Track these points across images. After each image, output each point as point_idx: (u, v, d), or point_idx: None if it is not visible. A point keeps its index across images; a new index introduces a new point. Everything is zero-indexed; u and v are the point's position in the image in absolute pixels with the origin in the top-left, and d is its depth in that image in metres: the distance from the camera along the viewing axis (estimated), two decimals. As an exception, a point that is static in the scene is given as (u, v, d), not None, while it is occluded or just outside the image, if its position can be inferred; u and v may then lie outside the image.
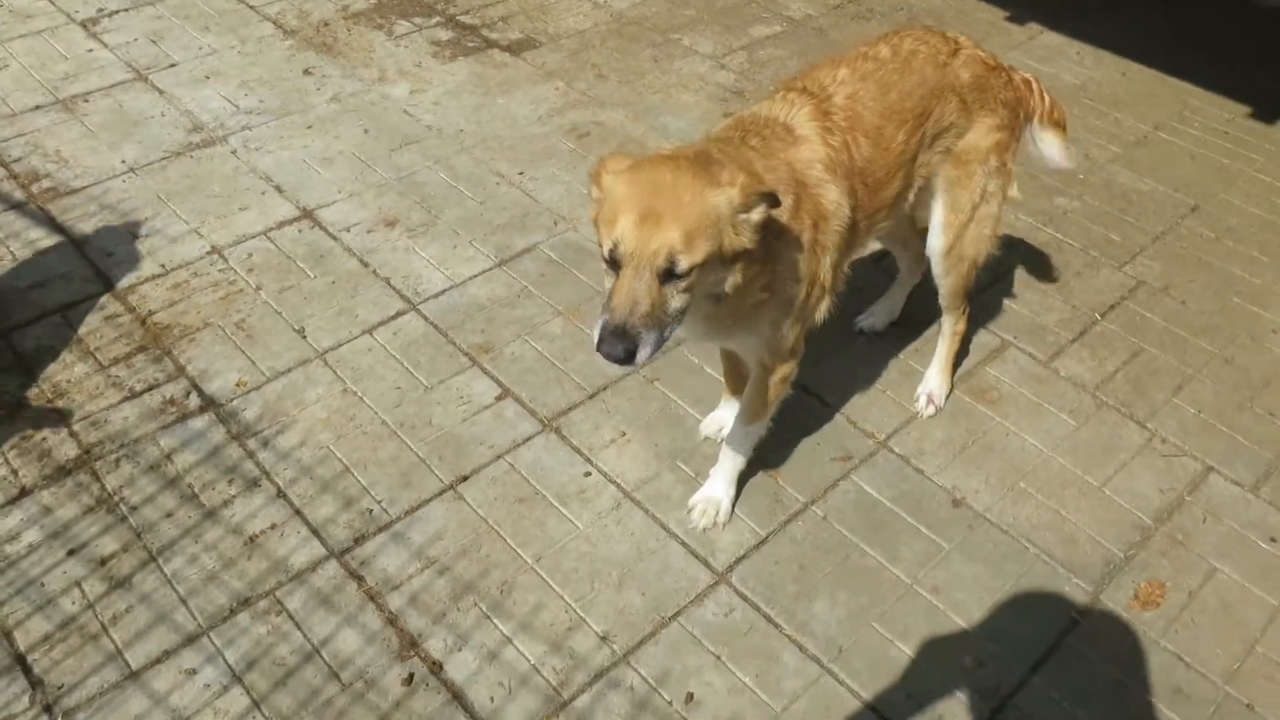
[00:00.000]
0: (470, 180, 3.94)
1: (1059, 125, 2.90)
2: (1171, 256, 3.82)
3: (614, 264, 1.98)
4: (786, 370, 2.54)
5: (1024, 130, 2.84)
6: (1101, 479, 2.94)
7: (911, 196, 2.66)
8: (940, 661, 2.47)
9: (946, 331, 3.10)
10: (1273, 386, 3.28)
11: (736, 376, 2.88)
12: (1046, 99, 2.86)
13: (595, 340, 1.99)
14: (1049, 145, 2.90)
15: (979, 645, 2.51)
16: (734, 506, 2.78)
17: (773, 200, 2.02)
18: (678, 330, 2.11)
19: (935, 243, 2.80)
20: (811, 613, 2.56)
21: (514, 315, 3.35)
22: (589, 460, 2.90)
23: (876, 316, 3.40)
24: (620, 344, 1.94)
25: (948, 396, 3.17)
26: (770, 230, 2.12)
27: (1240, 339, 3.46)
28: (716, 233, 1.96)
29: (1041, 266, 3.71)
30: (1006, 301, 3.55)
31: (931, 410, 3.12)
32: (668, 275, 1.96)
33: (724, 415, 2.98)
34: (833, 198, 2.33)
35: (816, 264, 2.35)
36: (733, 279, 2.08)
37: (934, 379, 3.15)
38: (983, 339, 3.39)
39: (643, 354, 1.97)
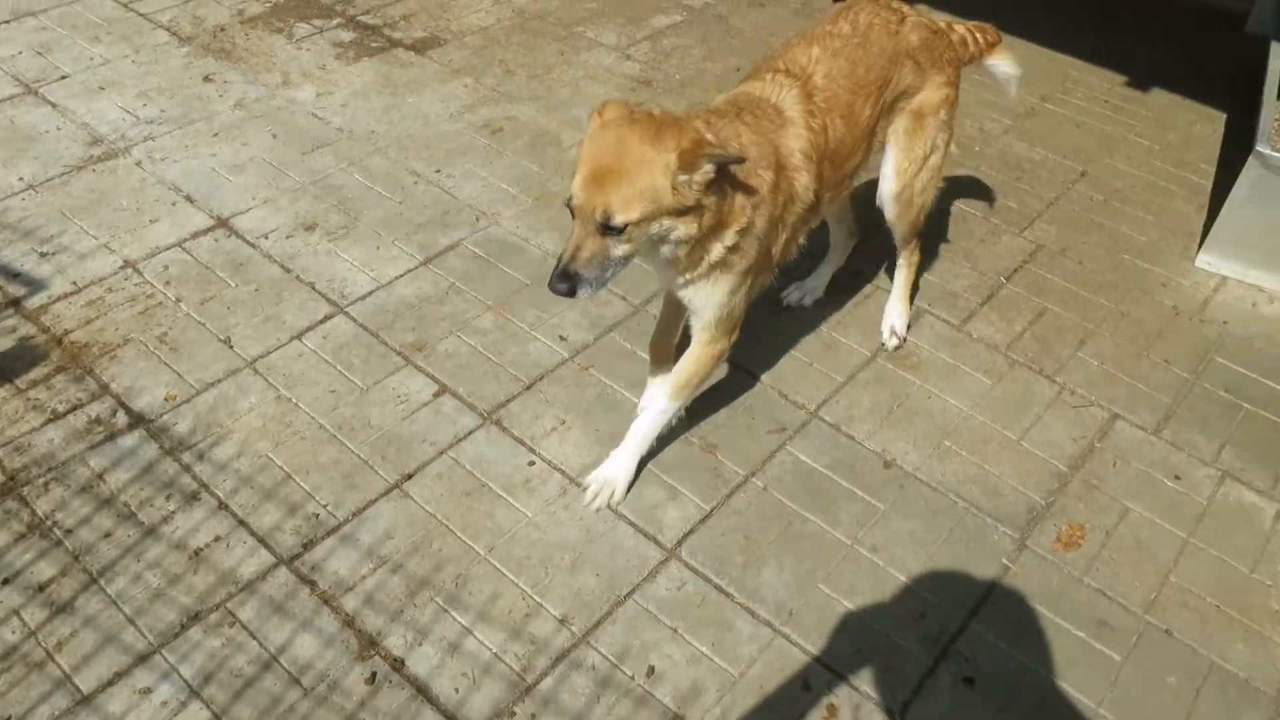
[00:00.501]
0: (387, 180, 3.92)
1: (996, 45, 3.17)
2: (1066, 220, 4.03)
3: (571, 213, 2.28)
4: (724, 346, 2.67)
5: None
6: (1019, 432, 3.11)
7: (869, 161, 2.89)
8: (885, 615, 2.60)
9: (903, 264, 3.34)
10: (1165, 336, 3.51)
11: (664, 346, 2.99)
12: (979, 35, 3.12)
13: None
14: (1001, 65, 3.20)
15: (920, 597, 2.64)
16: (629, 489, 2.83)
17: (724, 159, 2.22)
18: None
19: (888, 188, 3.02)
20: (760, 580, 2.65)
21: (444, 312, 3.36)
22: (532, 450, 2.94)
23: (804, 292, 3.53)
24: (563, 284, 2.26)
25: (909, 326, 3.39)
26: (741, 190, 2.36)
27: (1134, 293, 3.69)
28: (654, 193, 2.20)
29: (948, 235, 3.89)
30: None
31: (895, 342, 3.35)
32: (607, 229, 2.22)
33: (655, 392, 3.06)
34: (804, 182, 2.55)
35: (776, 239, 2.55)
36: (685, 229, 2.28)
37: (894, 310, 3.38)
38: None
39: (583, 292, 2.28)
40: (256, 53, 4.64)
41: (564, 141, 4.21)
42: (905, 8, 2.89)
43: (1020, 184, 4.22)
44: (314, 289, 3.41)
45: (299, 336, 3.23)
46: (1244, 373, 3.38)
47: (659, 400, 2.78)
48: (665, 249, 2.34)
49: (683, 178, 2.19)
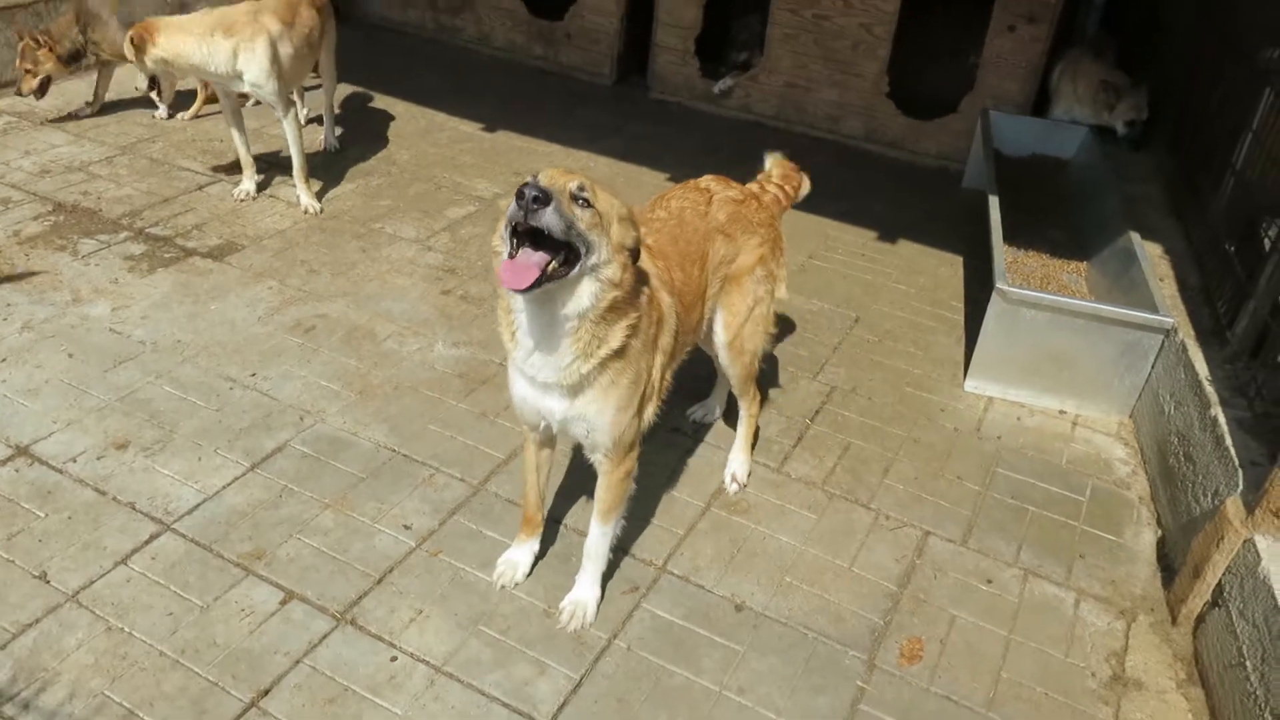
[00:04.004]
0: (200, 389, 3.84)
1: (800, 184, 3.75)
2: (851, 362, 4.48)
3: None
4: (629, 465, 2.85)
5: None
6: (848, 560, 3.36)
7: (708, 319, 3.21)
8: (762, 754, 2.69)
9: (743, 415, 3.61)
10: (953, 455, 3.93)
11: (537, 509, 3.13)
12: (787, 188, 3.62)
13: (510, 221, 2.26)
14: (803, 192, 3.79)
15: (791, 730, 2.76)
16: (599, 608, 3.03)
17: (637, 252, 2.48)
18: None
19: (720, 339, 3.33)
20: (640, 740, 2.69)
21: (280, 516, 3.29)
22: (392, 645, 2.89)
23: (706, 410, 3.98)
24: (536, 190, 2.18)
25: (749, 474, 3.64)
26: (631, 306, 2.55)
27: (920, 421, 4.12)
28: (610, 208, 2.38)
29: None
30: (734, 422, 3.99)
31: (736, 488, 3.59)
32: (576, 197, 2.29)
33: (515, 556, 3.14)
34: (667, 302, 2.79)
35: (652, 359, 2.74)
36: (614, 269, 2.39)
37: (736, 459, 3.65)
38: (719, 458, 3.77)
39: (548, 214, 2.20)
40: (39, 271, 4.47)
41: (378, 334, 4.29)
42: (713, 187, 3.26)
43: (806, 333, 4.66)
44: (134, 509, 3.25)
45: (124, 561, 3.06)
46: (1023, 479, 3.82)
47: (594, 528, 2.97)
48: (590, 288, 2.37)
49: (627, 223, 2.42)
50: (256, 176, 5.36)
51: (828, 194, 5.98)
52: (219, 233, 4.97)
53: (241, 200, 5.27)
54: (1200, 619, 3.14)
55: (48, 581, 2.97)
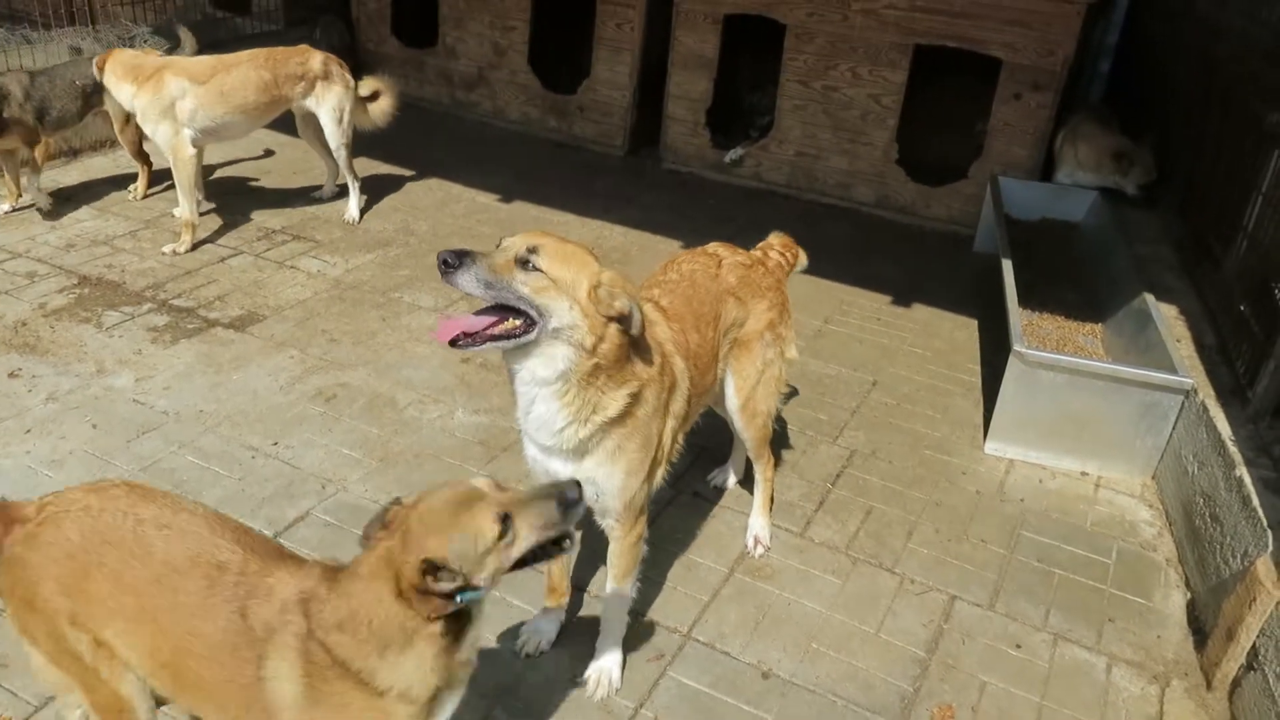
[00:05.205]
0: (223, 458, 3.86)
1: (798, 254, 3.73)
2: (870, 426, 4.48)
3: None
4: (640, 529, 2.84)
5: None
6: (875, 625, 3.33)
7: (716, 387, 3.22)
8: (795, 826, 2.63)
9: (759, 479, 3.62)
10: (976, 518, 3.90)
11: (562, 576, 3.11)
12: (787, 254, 3.64)
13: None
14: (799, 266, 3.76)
15: (823, 801, 2.70)
16: (623, 671, 3.02)
17: (635, 310, 2.44)
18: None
19: (733, 403, 3.35)
20: (669, 812, 2.64)
21: (303, 585, 3.27)
22: (416, 715, 2.85)
23: (725, 474, 3.98)
24: (450, 255, 2.28)
25: (771, 535, 3.64)
26: (640, 358, 2.58)
27: (941, 484, 4.10)
28: (576, 275, 2.36)
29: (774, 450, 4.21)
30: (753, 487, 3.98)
31: (760, 550, 3.58)
32: (523, 260, 2.32)
33: (541, 624, 3.12)
34: (680, 367, 2.80)
35: (663, 424, 2.73)
36: (583, 334, 2.38)
37: (757, 522, 3.65)
38: (741, 522, 3.75)
39: (462, 278, 2.29)
40: (64, 344, 4.53)
41: (399, 402, 4.32)
42: (722, 252, 3.30)
43: (825, 397, 4.67)
44: (158, 579, 3.25)
45: (147, 632, 3.04)
46: (1048, 542, 3.79)
47: (610, 593, 2.96)
48: (560, 351, 2.39)
49: (602, 290, 2.38)
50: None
51: (841, 259, 6.09)
52: (241, 303, 5.04)
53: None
54: (1236, 683, 3.09)
55: (71, 653, 2.95)
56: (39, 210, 5.78)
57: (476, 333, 2.36)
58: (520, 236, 2.40)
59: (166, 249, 5.51)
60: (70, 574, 2.13)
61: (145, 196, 6.18)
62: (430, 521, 1.97)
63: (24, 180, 5.79)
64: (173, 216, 5.91)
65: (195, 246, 5.56)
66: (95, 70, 5.31)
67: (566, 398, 2.47)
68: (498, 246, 2.39)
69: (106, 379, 4.31)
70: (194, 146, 5.44)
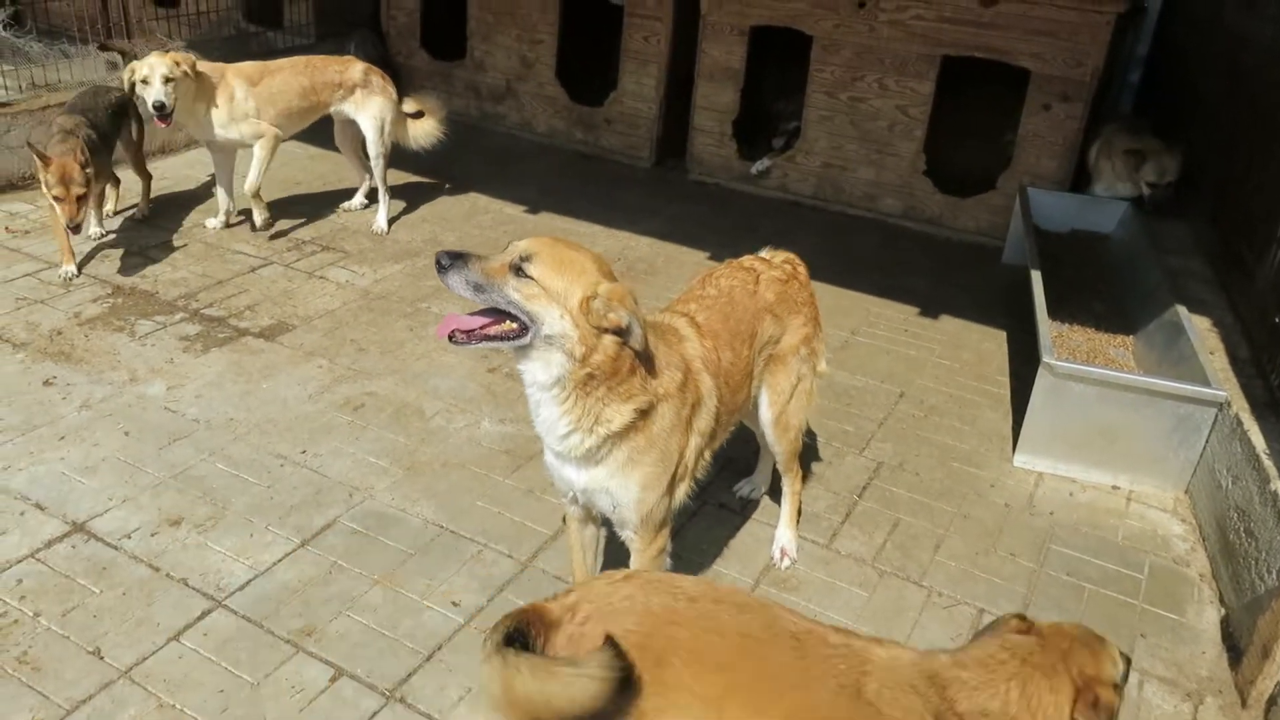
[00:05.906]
0: (252, 466, 3.89)
1: None
2: (897, 437, 4.45)
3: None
4: (660, 543, 2.81)
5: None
6: (902, 638, 3.29)
7: (749, 404, 3.22)
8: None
9: (787, 491, 3.61)
10: (1005, 531, 3.87)
11: (584, 573, 3.09)
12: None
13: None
14: None
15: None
16: None
17: (635, 324, 2.43)
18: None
19: (766, 416, 3.35)
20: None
21: (330, 592, 3.29)
22: (442, 723, 2.86)
23: (753, 485, 3.98)
24: (445, 257, 2.39)
25: (798, 548, 3.63)
26: (644, 371, 2.55)
27: (969, 496, 4.07)
28: (569, 284, 2.38)
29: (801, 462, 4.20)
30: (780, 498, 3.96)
31: (787, 562, 3.57)
32: (516, 267, 2.37)
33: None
34: (708, 385, 2.79)
35: (686, 440, 2.72)
36: (574, 344, 2.40)
37: (784, 534, 3.64)
38: (767, 534, 3.74)
39: (453, 279, 2.39)
40: (98, 352, 4.59)
41: (426, 412, 4.34)
42: (759, 266, 3.29)
43: (851, 409, 4.65)
44: (187, 585, 3.28)
45: (176, 637, 3.07)
46: (1078, 556, 3.75)
47: None
48: (555, 357, 2.43)
49: (597, 302, 2.38)
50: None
51: (868, 270, 6.07)
52: (271, 313, 5.09)
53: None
54: (1272, 701, 3.03)
55: (101, 658, 2.99)
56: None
57: (472, 330, 2.45)
58: (525, 241, 2.44)
59: (258, 220, 5.93)
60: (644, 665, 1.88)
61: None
62: None
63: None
64: (204, 227, 5.99)
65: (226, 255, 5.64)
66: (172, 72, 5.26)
67: (566, 404, 2.51)
68: (506, 249, 2.45)
69: (139, 387, 4.36)
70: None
